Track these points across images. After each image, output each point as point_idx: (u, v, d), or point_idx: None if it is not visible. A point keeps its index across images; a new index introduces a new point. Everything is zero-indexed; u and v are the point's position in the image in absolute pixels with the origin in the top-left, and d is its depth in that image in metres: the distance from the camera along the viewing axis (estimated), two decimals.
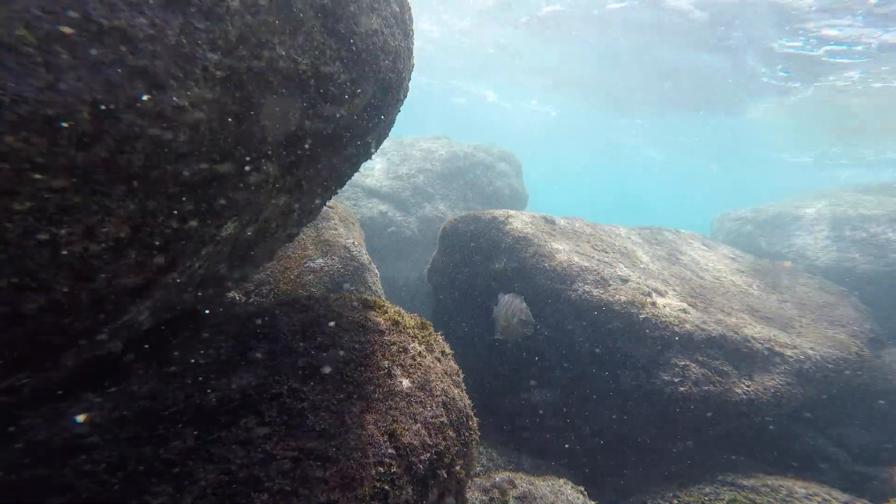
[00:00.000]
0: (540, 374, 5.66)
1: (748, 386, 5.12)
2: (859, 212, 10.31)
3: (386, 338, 2.73)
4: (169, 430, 1.84)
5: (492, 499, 4.05)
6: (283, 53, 1.89)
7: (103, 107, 1.29)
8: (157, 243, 1.69)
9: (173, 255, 1.83)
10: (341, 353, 2.48)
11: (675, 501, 4.76)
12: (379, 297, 4.86)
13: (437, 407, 2.44)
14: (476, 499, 4.04)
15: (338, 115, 2.44)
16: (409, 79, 3.23)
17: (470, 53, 20.11)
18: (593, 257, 6.20)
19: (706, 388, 5.02)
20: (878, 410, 6.38)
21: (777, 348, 5.57)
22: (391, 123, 3.34)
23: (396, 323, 2.94)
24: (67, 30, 1.19)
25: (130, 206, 1.50)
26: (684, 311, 5.70)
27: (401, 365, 2.56)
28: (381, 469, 1.97)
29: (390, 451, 2.06)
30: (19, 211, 1.23)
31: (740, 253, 9.53)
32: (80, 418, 1.87)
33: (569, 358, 5.53)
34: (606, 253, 6.59)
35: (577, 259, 5.94)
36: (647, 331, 5.34)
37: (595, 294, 5.54)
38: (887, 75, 14.21)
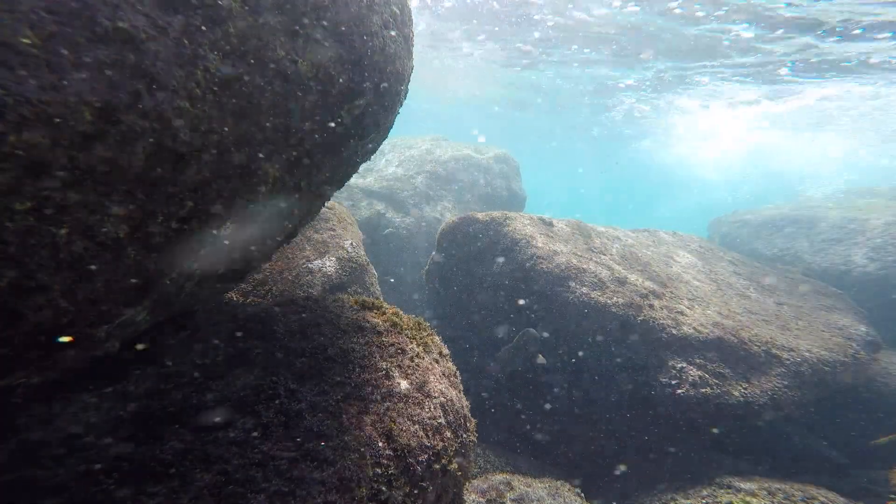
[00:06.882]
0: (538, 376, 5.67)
1: (745, 388, 5.13)
2: (854, 215, 10.35)
3: (384, 339, 2.74)
4: (166, 431, 1.84)
5: (489, 500, 4.05)
6: (284, 55, 1.90)
7: (105, 107, 1.29)
8: (155, 243, 1.69)
9: (172, 256, 1.83)
10: (339, 354, 2.48)
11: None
12: (377, 297, 4.85)
13: (434, 408, 2.44)
14: (473, 500, 4.04)
15: (337, 116, 2.44)
16: (409, 80, 3.24)
17: None
18: (591, 259, 6.21)
19: (703, 390, 5.04)
20: (876, 413, 6.40)
21: (774, 351, 5.59)
22: (390, 124, 3.34)
23: (394, 324, 2.94)
24: (70, 31, 1.20)
25: (130, 207, 1.51)
26: (682, 313, 5.72)
27: (399, 366, 2.56)
28: (379, 470, 1.97)
29: (388, 452, 2.06)
30: (20, 210, 1.23)
31: (738, 256, 9.56)
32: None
33: (566, 359, 5.54)
34: (604, 255, 6.60)
35: (574, 261, 5.95)
36: (645, 333, 5.35)
37: (593, 296, 5.55)
38: None
